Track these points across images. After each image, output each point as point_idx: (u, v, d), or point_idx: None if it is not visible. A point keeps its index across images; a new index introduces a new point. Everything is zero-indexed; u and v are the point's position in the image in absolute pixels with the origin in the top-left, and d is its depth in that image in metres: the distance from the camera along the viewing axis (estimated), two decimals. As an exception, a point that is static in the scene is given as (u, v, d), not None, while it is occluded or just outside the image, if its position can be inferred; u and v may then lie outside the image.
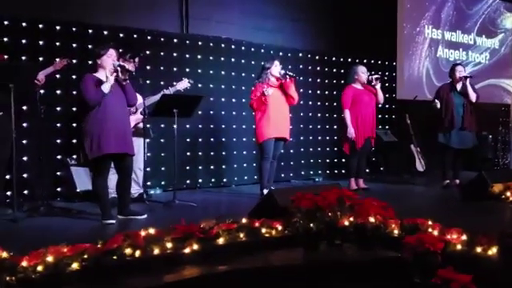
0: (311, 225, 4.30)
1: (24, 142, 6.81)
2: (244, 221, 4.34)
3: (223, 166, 8.72)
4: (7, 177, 6.39)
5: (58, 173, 7.09)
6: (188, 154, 8.33)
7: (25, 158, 6.84)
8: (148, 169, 7.71)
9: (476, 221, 5.36)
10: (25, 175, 6.82)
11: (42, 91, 6.83)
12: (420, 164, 10.30)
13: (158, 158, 7.87)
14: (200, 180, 8.48)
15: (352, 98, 7.85)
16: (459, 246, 3.87)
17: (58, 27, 7.18)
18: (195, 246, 3.87)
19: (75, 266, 3.35)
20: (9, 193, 6.41)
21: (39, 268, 3.24)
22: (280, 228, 4.40)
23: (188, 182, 8.33)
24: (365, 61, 10.49)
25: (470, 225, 4.34)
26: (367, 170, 10.21)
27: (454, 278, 3.49)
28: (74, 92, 7.17)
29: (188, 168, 8.34)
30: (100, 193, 5.59)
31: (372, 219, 4.31)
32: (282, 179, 9.22)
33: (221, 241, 4.06)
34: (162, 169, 7.88)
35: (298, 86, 9.54)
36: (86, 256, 3.44)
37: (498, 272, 3.64)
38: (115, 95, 5.56)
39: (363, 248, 4.27)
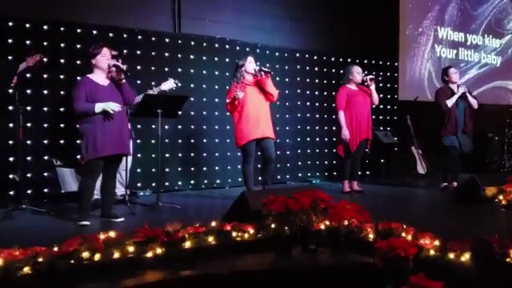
0: (285, 228, 4.19)
1: (10, 142, 6.76)
2: (213, 224, 4.22)
3: (216, 168, 8.61)
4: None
5: (45, 173, 7.02)
6: (180, 155, 8.25)
7: (11, 159, 6.78)
8: (138, 170, 7.67)
9: (457, 225, 5.25)
10: (10, 176, 6.75)
11: (28, 91, 6.85)
12: (421, 166, 10.14)
13: (148, 160, 7.79)
14: (192, 181, 8.38)
15: (346, 98, 7.71)
16: (432, 252, 3.73)
17: (45, 27, 7.12)
18: (158, 250, 3.75)
19: (27, 269, 3.25)
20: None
21: (-13, 272, 3.15)
22: (252, 231, 4.27)
23: (180, 183, 8.25)
24: (365, 61, 10.38)
25: (452, 229, 4.26)
26: (367, 173, 10.14)
27: (425, 285, 3.34)
28: (62, 92, 7.14)
29: (180, 169, 8.25)
30: (85, 194, 5.53)
31: (346, 223, 4.18)
32: (279, 181, 9.11)
33: (187, 245, 3.94)
34: (153, 170, 7.76)
35: (296, 87, 9.53)
36: (40, 259, 3.34)
37: (471, 279, 3.50)
38: (112, 95, 5.51)
39: (337, 253, 4.14)
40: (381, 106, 10.66)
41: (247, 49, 8.90)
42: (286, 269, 3.96)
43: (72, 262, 3.44)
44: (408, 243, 3.72)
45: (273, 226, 4.20)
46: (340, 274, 3.93)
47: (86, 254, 3.49)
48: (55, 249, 3.47)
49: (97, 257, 3.53)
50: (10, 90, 6.35)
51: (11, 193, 6.71)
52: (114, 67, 5.56)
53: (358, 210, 4.25)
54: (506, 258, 3.49)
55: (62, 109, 7.14)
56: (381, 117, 10.70)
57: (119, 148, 5.57)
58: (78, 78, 6.31)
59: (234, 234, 4.21)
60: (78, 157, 6.89)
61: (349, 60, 10.07)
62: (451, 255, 3.63)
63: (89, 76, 5.57)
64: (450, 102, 7.96)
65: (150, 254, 3.72)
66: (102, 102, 5.38)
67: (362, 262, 3.92)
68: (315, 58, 9.88)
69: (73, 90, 5.49)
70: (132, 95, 5.77)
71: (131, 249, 3.68)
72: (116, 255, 3.61)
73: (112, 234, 3.76)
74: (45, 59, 6.51)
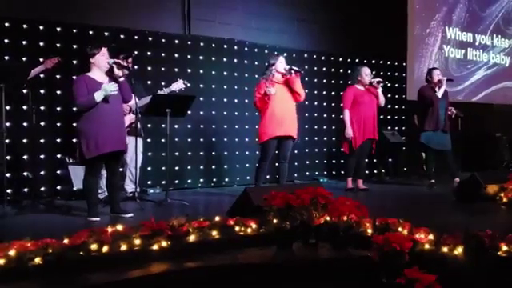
0: (286, 223, 4.33)
1: (24, 141, 6.97)
2: (217, 219, 4.38)
3: (225, 166, 8.78)
4: (7, 175, 6.56)
5: (58, 171, 7.22)
6: (189, 153, 8.42)
7: (25, 157, 6.98)
8: (149, 168, 7.86)
9: (457, 222, 5.33)
10: (24, 173, 6.97)
11: (41, 91, 7.05)
12: (428, 165, 10.21)
13: (158, 158, 7.96)
14: (201, 179, 8.55)
15: (353, 98, 7.91)
16: (427, 246, 3.86)
17: (58, 29, 7.32)
18: (164, 243, 3.91)
19: (38, 260, 3.43)
20: (9, 190, 6.59)
21: (1, 261, 3.32)
22: (254, 226, 4.42)
23: (189, 181, 8.42)
24: (373, 61, 10.49)
25: (450, 226, 4.36)
26: (375, 171, 10.25)
27: (419, 278, 3.47)
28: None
29: (189, 168, 8.42)
30: (89, 191, 5.68)
31: (345, 218, 4.32)
32: (286, 179, 9.21)
33: (191, 238, 4.09)
34: (163, 168, 7.92)
35: (304, 87, 9.55)
36: (50, 251, 3.51)
37: (463, 272, 3.62)
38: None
39: (336, 247, 4.27)
40: (389, 106, 10.79)
41: (255, 50, 9.08)
42: (287, 262, 4.11)
43: (81, 253, 3.61)
44: (403, 237, 3.85)
45: (274, 221, 4.34)
46: (338, 268, 4.07)
47: (94, 246, 3.65)
48: (65, 241, 3.64)
49: (104, 249, 3.68)
50: (24, 90, 6.54)
51: (25, 190, 6.91)
52: (114, 64, 5.68)
53: (356, 206, 4.38)
54: (498, 252, 3.62)
55: (74, 108, 7.29)
56: (389, 116, 10.83)
57: (119, 145, 5.70)
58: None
59: (237, 228, 4.35)
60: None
61: (356, 60, 10.23)
62: (445, 249, 3.76)
63: (87, 74, 5.66)
64: (440, 93, 8.39)
65: (155, 247, 3.87)
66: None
67: (360, 255, 4.06)
68: (323, 58, 10.02)
69: (73, 87, 5.60)
70: (129, 94, 5.87)
71: (137, 242, 3.83)
72: (123, 248, 3.76)
73: (119, 227, 3.93)
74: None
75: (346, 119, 7.86)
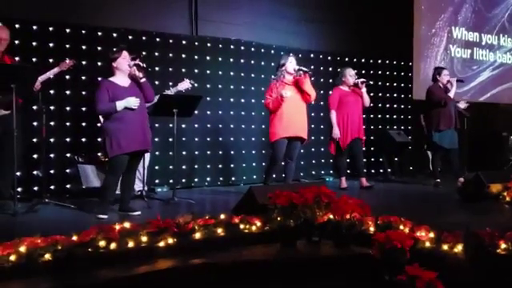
0: (290, 221, 4.41)
1: (34, 140, 7.07)
2: (222, 217, 4.47)
3: (232, 165, 8.87)
4: (18, 173, 6.65)
5: (68, 170, 7.32)
6: (196, 153, 8.51)
7: (35, 156, 7.09)
8: (156, 167, 7.95)
9: (459, 220, 5.38)
10: (34, 172, 7.08)
11: (51, 92, 7.15)
12: (434, 165, 10.26)
13: (165, 157, 8.05)
14: (208, 178, 8.64)
15: (339, 99, 8.09)
16: (428, 244, 3.94)
17: (67, 30, 7.42)
18: (170, 240, 4.01)
19: (48, 256, 3.53)
20: (20, 188, 6.69)
21: (12, 257, 3.42)
22: (259, 224, 4.51)
23: (196, 180, 8.51)
24: (379, 61, 10.56)
25: (453, 224, 4.44)
26: (381, 170, 10.32)
27: (420, 275, 3.53)
28: (84, 92, 7.43)
29: (196, 167, 8.51)
30: (106, 188, 5.80)
31: (348, 217, 4.39)
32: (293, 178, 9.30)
33: (197, 236, 4.18)
34: (170, 167, 8.00)
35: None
36: (59, 247, 3.61)
37: (463, 269, 3.69)
38: (134, 93, 5.76)
39: (339, 245, 4.35)
40: (395, 106, 10.89)
41: (262, 50, 9.17)
42: (291, 259, 4.20)
43: (89, 250, 3.70)
44: (404, 235, 3.92)
45: (278, 219, 4.43)
46: (341, 265, 4.15)
47: (102, 243, 3.75)
48: (74, 238, 3.75)
49: (112, 246, 3.78)
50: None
51: (35, 188, 7.03)
52: (134, 66, 5.83)
53: (359, 204, 4.46)
54: (497, 250, 3.69)
55: (83, 108, 7.43)
56: (395, 116, 10.90)
57: (142, 144, 5.84)
58: (99, 78, 6.64)
59: (242, 226, 4.46)
60: (99, 154, 7.18)
61: (362, 60, 10.32)
62: (445, 247, 3.84)
63: (110, 79, 5.82)
64: (452, 94, 8.45)
65: (161, 244, 3.97)
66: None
67: (362, 253, 4.13)
68: (329, 58, 10.08)
69: (95, 92, 5.77)
70: (151, 93, 6.02)
71: (144, 239, 3.93)
72: (130, 244, 3.86)
73: (127, 224, 4.03)
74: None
75: (333, 120, 8.06)
